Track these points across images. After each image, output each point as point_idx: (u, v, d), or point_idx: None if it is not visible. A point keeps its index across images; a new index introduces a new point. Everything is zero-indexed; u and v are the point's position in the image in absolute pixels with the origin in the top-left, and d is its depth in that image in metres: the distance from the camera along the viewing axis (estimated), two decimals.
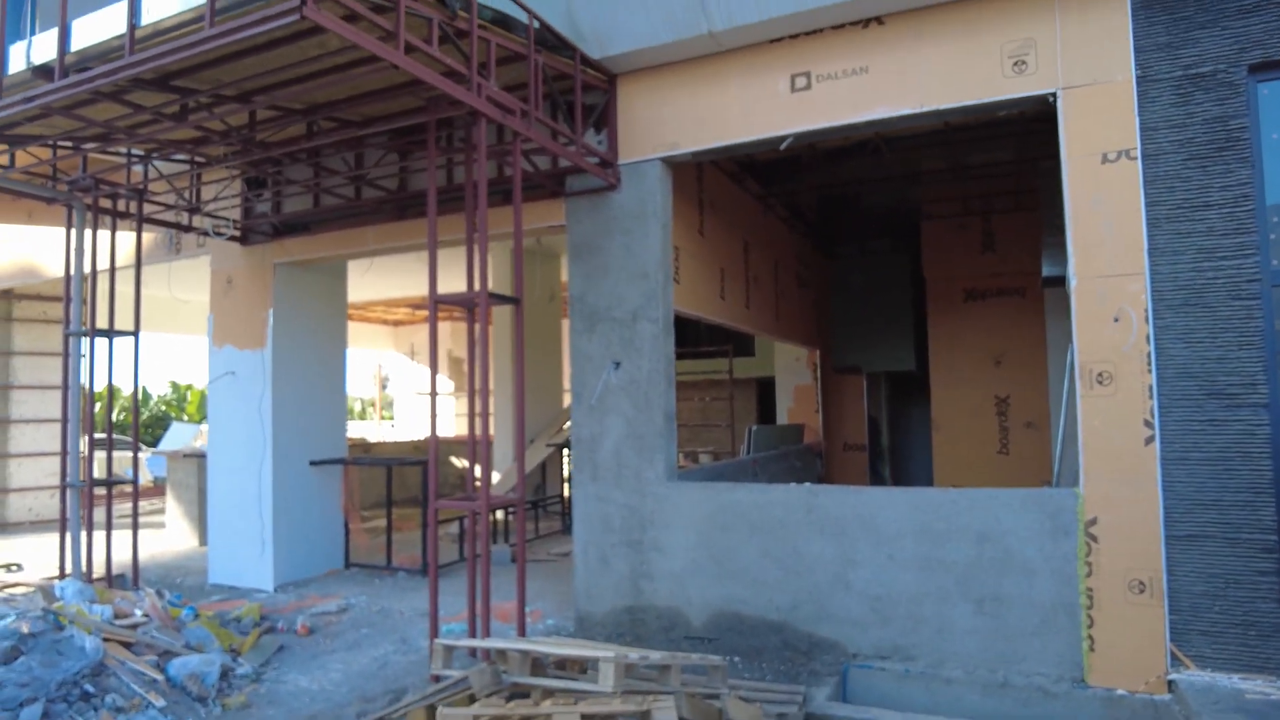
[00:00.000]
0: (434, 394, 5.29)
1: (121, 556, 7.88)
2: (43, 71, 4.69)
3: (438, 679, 4.34)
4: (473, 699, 3.47)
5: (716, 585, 5.77)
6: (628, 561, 6.11)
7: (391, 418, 24.78)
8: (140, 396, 7.03)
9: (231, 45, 4.04)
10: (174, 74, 5.04)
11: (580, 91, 5.87)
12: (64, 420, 6.57)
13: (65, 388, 6.55)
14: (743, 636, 5.67)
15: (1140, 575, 4.59)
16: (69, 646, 4.55)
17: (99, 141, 6.14)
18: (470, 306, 5.30)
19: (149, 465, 20.44)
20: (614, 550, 6.15)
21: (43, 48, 4.72)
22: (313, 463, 8.16)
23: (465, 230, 5.45)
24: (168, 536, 11.22)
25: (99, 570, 7.31)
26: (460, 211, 6.73)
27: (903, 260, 11.67)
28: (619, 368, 6.21)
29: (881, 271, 11.67)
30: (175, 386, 35.64)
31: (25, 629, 4.65)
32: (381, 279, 12.61)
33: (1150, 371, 4.64)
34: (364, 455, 13.78)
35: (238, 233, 7.89)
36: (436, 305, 5.06)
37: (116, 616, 5.21)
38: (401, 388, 21.89)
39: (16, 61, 4.79)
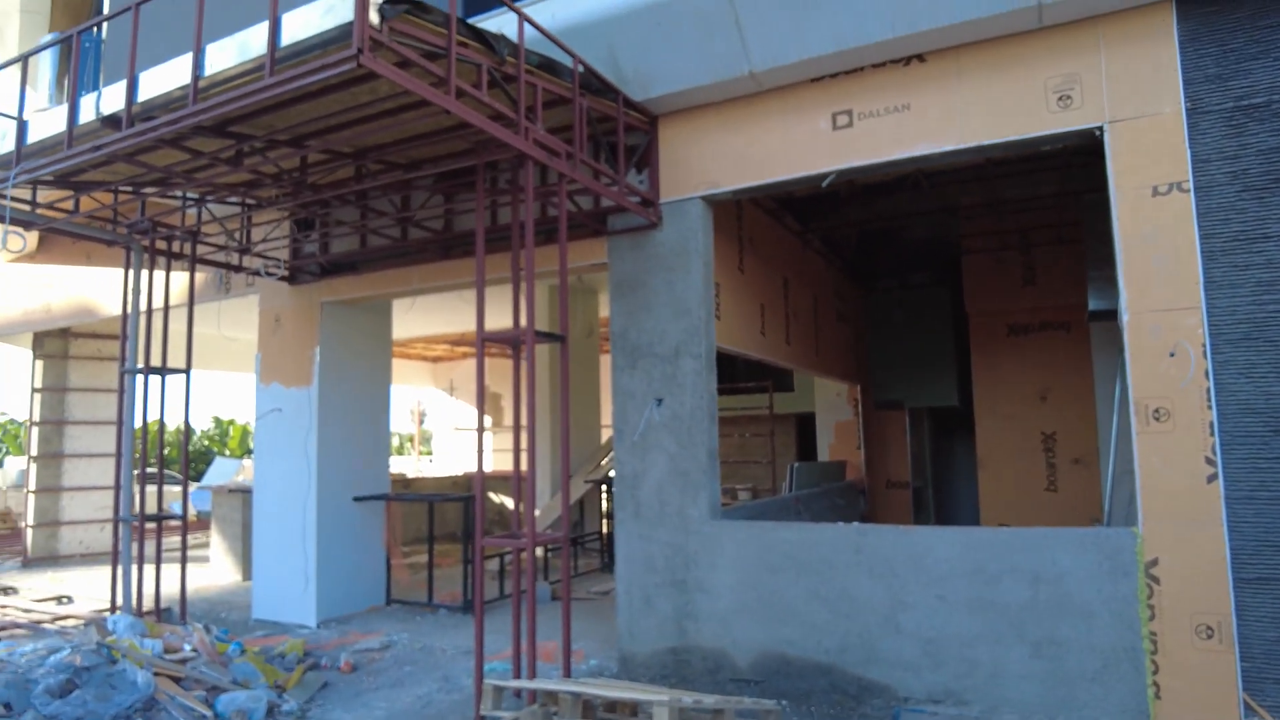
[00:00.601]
0: (480, 430, 5.33)
1: (168, 590, 7.99)
2: (111, 121, 4.88)
3: None
4: None
5: (763, 626, 5.68)
6: (671, 601, 6.04)
7: (430, 453, 24.95)
8: (182, 438, 7.16)
9: (288, 93, 4.17)
10: (231, 120, 5.20)
11: (622, 132, 5.95)
12: (118, 456, 6.72)
13: (120, 424, 6.70)
14: (790, 679, 5.56)
15: (1207, 619, 4.43)
16: (121, 680, 4.60)
17: (157, 186, 6.35)
18: (516, 344, 5.35)
19: (193, 500, 20.78)
20: (657, 590, 6.09)
21: (111, 99, 4.92)
22: (356, 498, 8.23)
23: (509, 269, 5.52)
24: (211, 571, 11.35)
25: (147, 604, 7.41)
26: (502, 251, 6.85)
27: (943, 294, 11.57)
28: (661, 404, 6.20)
29: (922, 305, 11.58)
30: (218, 421, 36.33)
31: (79, 662, 4.71)
32: (422, 316, 12.79)
33: (1210, 407, 4.52)
34: (405, 491, 13.85)
35: (286, 273, 8.07)
36: (484, 343, 5.11)
37: (166, 651, 5.27)
38: (440, 423, 22.05)
39: (86, 112, 4.99)
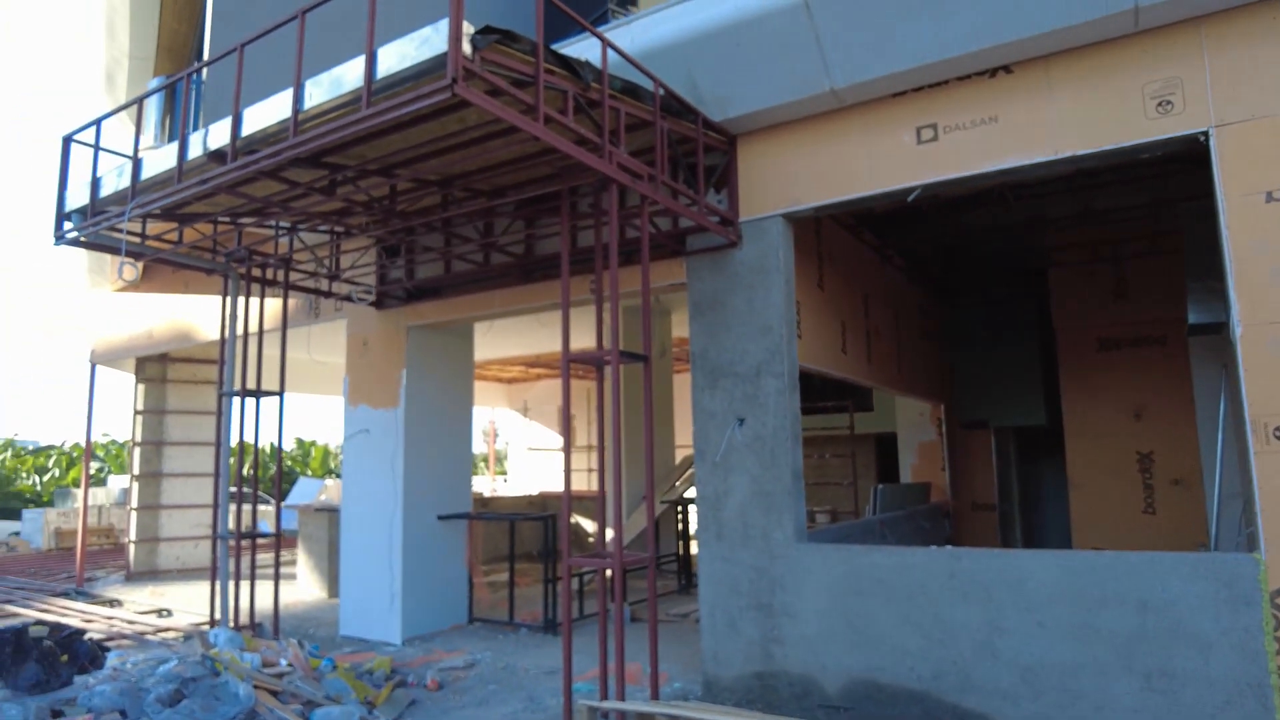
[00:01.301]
0: (567, 449, 5.37)
1: (259, 605, 8.22)
2: (216, 156, 5.13)
3: None
4: None
5: (852, 652, 5.55)
6: (757, 625, 5.96)
7: (504, 473, 25.27)
8: (272, 452, 7.41)
9: (383, 123, 4.31)
10: (326, 151, 5.41)
11: (702, 153, 5.97)
12: (216, 475, 7.00)
13: (218, 444, 6.99)
14: (881, 706, 5.41)
15: None
16: (224, 692, 4.75)
17: (254, 216, 6.64)
18: (600, 365, 5.38)
19: (265, 528, 21.49)
20: (742, 613, 6.02)
21: (216, 135, 5.17)
22: (440, 517, 8.38)
23: (589, 291, 5.58)
24: (298, 588, 11.69)
25: (242, 619, 7.67)
26: (582, 274, 6.93)
27: (1029, 309, 11.22)
28: (743, 424, 6.16)
29: (1007, 321, 11.24)
30: (300, 443, 37.54)
31: (186, 673, 4.90)
32: (498, 339, 13.02)
33: None
34: (484, 510, 14.03)
35: (373, 298, 8.32)
36: (569, 364, 5.16)
37: (264, 665, 5.43)
38: (514, 444, 22.34)
39: (194, 148, 5.26)
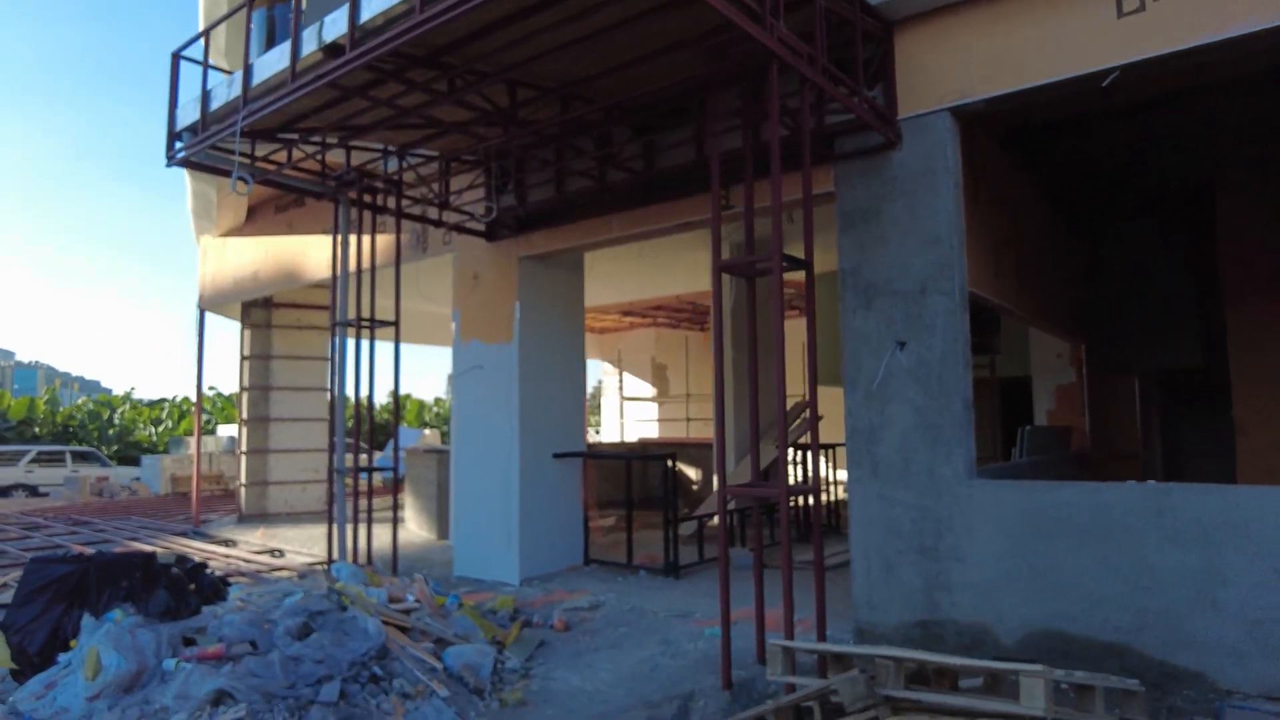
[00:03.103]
0: (719, 382, 4.86)
1: (372, 545, 8.04)
2: (331, 49, 4.72)
3: (792, 688, 3.76)
4: (842, 712, 2.92)
5: (1034, 600, 4.91)
6: (919, 571, 5.37)
7: (598, 424, 25.08)
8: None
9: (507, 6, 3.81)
10: (443, 50, 4.96)
11: (860, 40, 5.26)
12: (331, 407, 6.75)
13: (332, 375, 6.71)
14: (1069, 660, 4.76)
15: None
16: (353, 627, 4.45)
17: (365, 133, 6.25)
18: (751, 275, 4.81)
19: (379, 464, 21.82)
20: (901, 557, 5.43)
21: (332, 27, 4.75)
22: (556, 455, 8.02)
23: (707, 211, 4.97)
24: (406, 530, 11.61)
25: (358, 559, 7.49)
26: (700, 194, 6.36)
27: (1183, 241, 10.10)
28: (903, 348, 5.51)
29: (1158, 255, 10.16)
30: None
31: (312, 607, 4.62)
32: (594, 286, 12.56)
33: None
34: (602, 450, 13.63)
35: (495, 215, 7.77)
36: (720, 273, 4.62)
37: (390, 601, 5.14)
38: (608, 394, 22.05)
39: (309, 43, 4.86)
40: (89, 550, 10.70)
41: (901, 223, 5.56)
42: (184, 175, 10.18)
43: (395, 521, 7.26)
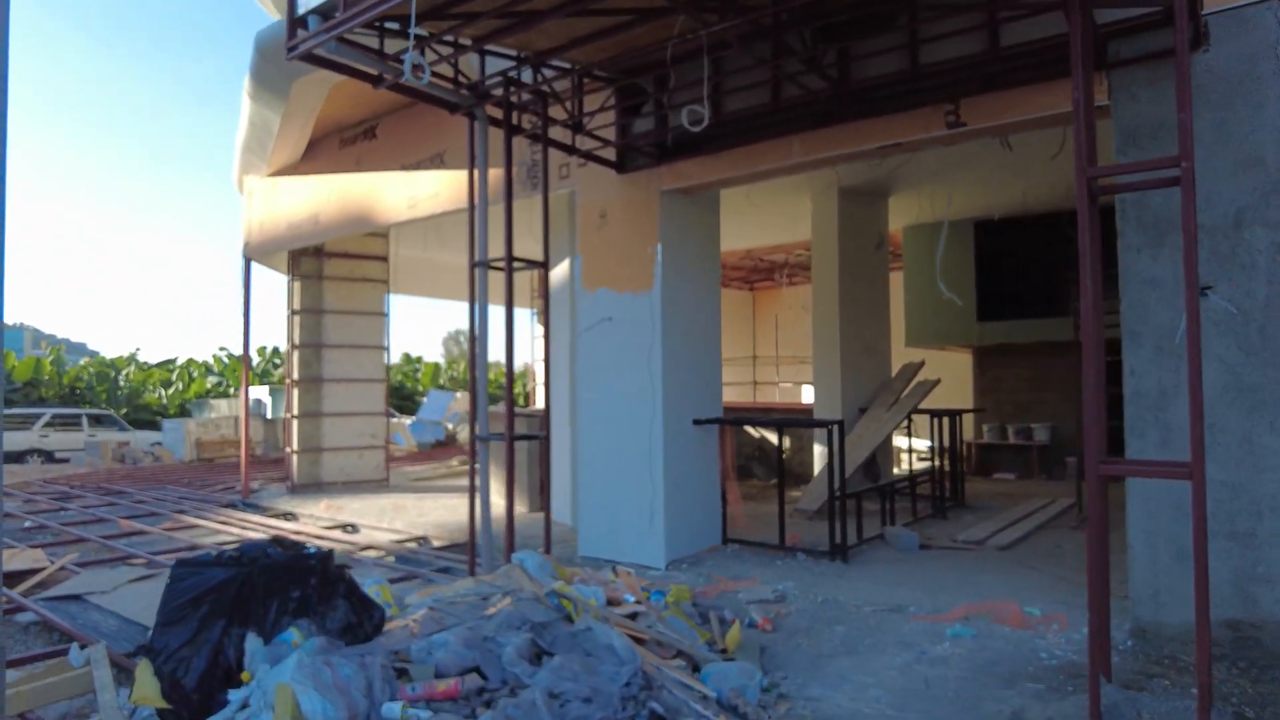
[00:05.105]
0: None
1: (448, 519, 7.03)
2: None
3: None
4: None
5: None
6: (1227, 560, 4.42)
7: None
8: (407, 362, 6.03)
9: None
10: None
11: None
12: (472, 365, 5.71)
13: (473, 321, 5.65)
14: None
15: None
16: (593, 645, 3.47)
17: (535, 22, 5.12)
18: (1096, 193, 3.77)
19: (412, 431, 20.80)
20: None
21: None
22: (696, 422, 7.02)
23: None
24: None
25: (445, 535, 6.51)
26: (913, 110, 5.32)
27: None
28: (1209, 294, 4.51)
29: None
30: (407, 358, 37.14)
31: (531, 616, 3.63)
32: None
33: None
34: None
35: (706, 120, 6.48)
36: (1088, 186, 3.56)
37: (608, 603, 4.16)
38: None
39: None
40: (166, 531, 9.69)
41: (1206, 141, 4.52)
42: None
43: (546, 493, 6.20)
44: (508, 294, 5.62)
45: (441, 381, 34.48)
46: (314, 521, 9.94)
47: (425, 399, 23.00)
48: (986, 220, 12.46)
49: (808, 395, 20.05)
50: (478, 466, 5.64)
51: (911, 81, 5.50)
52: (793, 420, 8.89)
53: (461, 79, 5.65)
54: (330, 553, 3.72)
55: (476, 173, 5.66)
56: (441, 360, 38.91)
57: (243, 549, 3.58)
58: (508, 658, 3.27)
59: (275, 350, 30.91)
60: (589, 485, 7.16)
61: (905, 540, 7.19)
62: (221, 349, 32.76)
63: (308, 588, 3.43)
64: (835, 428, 6.76)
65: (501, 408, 12.21)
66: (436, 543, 8.33)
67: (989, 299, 12.64)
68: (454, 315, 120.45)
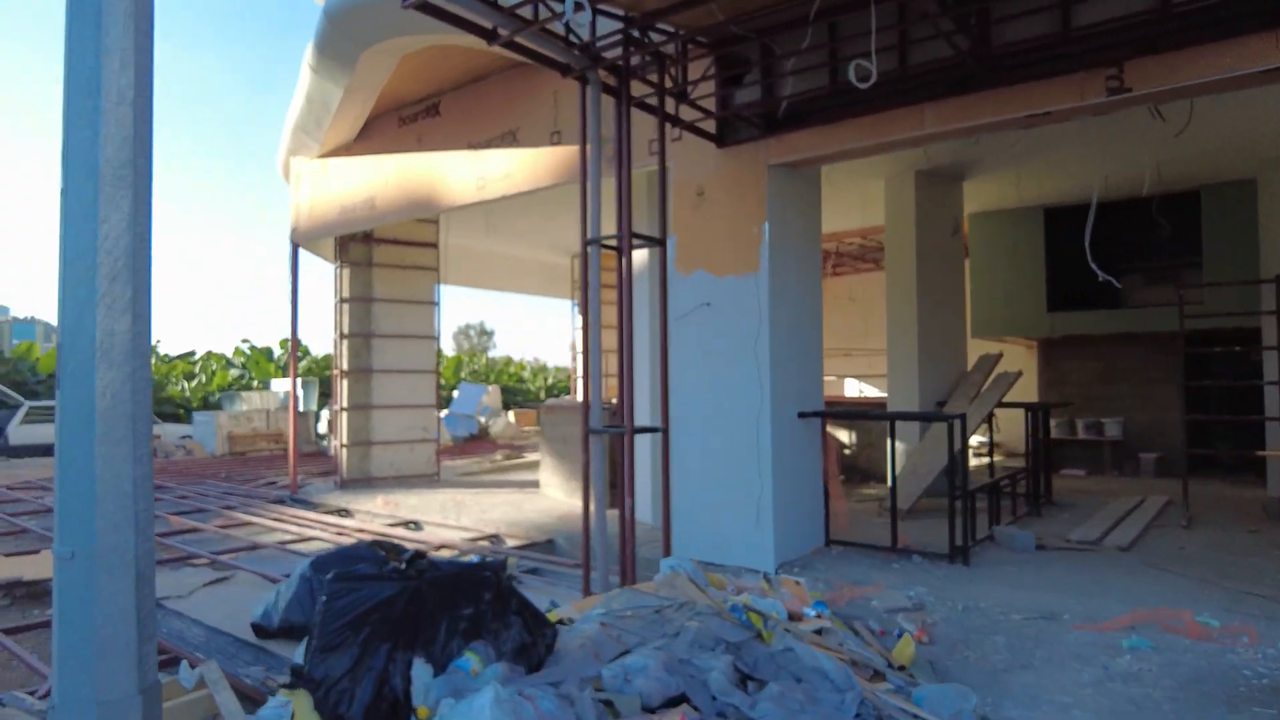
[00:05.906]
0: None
1: (503, 515, 6.51)
2: None
3: None
4: None
5: None
6: None
7: None
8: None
9: None
10: None
11: None
12: (585, 352, 5.27)
13: (586, 304, 5.20)
14: None
15: None
16: (797, 666, 3.03)
17: None
18: None
19: (446, 425, 20.37)
20: None
21: None
22: (801, 415, 6.57)
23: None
24: (542, 496, 10.24)
25: (523, 533, 6.09)
26: (1068, 74, 4.84)
27: None
28: None
29: None
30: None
31: (723, 635, 3.18)
32: None
33: None
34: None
35: (874, 77, 5.92)
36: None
37: (790, 617, 3.72)
38: None
39: None
40: (220, 529, 9.31)
41: None
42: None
43: (667, 488, 5.72)
44: (625, 274, 5.15)
45: (463, 375, 34.04)
46: (373, 519, 9.53)
47: (457, 392, 22.56)
48: (1058, 207, 11.94)
49: (850, 389, 19.61)
50: (591, 463, 5.18)
51: (1062, 45, 5.02)
52: (907, 414, 8.42)
53: (573, 39, 5.18)
54: (504, 562, 3.28)
55: (589, 145, 5.19)
56: (452, 354, 38.47)
57: (397, 557, 3.14)
58: (718, 685, 2.83)
59: (298, 343, 30.51)
60: (684, 483, 6.71)
61: (1021, 540, 6.73)
62: (244, 341, 32.35)
63: (481, 604, 2.99)
64: (957, 421, 6.29)
65: (561, 400, 11.68)
66: (511, 542, 7.91)
67: (1058, 289, 12.14)
68: (463, 309, 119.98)
